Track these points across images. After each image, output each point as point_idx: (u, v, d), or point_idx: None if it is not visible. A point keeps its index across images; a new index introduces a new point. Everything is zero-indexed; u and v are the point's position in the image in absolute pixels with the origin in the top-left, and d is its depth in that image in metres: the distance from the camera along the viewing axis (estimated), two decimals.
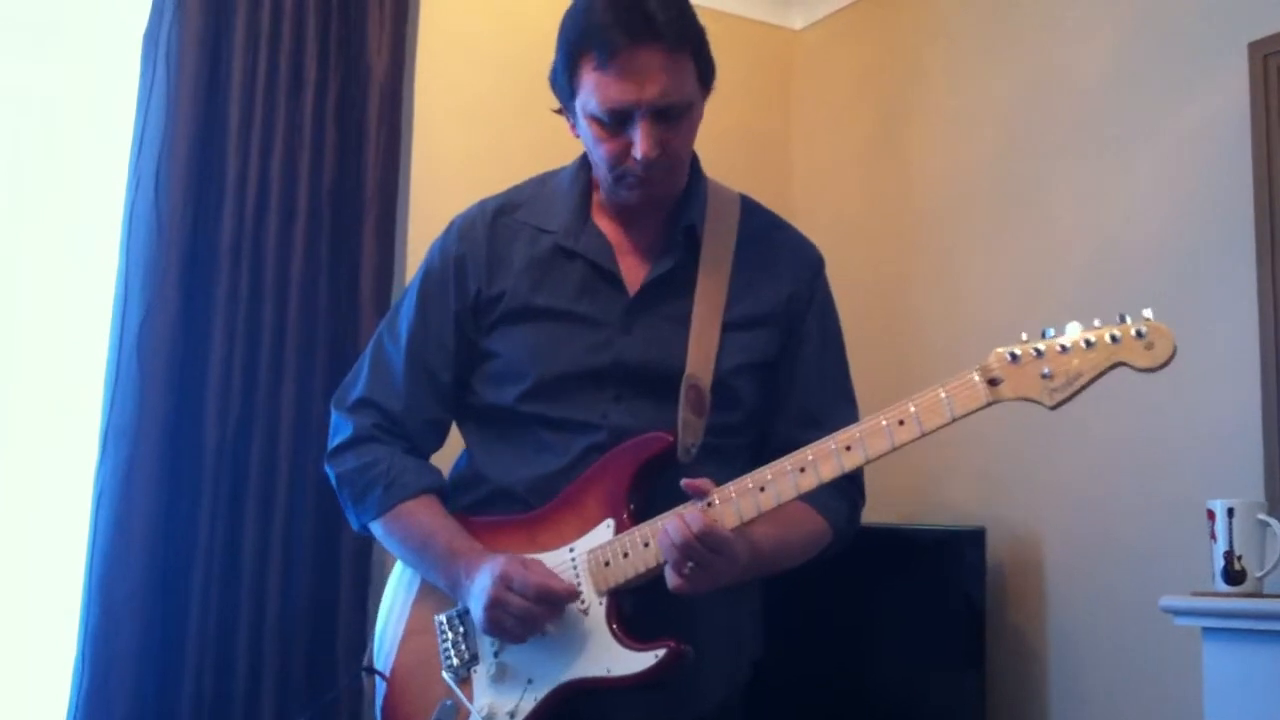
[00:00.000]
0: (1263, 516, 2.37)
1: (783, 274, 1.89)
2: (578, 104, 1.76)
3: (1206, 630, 2.36)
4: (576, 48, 1.72)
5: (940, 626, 3.01)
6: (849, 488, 1.87)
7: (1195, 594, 2.42)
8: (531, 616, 1.69)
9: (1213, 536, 2.40)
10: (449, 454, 2.01)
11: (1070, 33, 3.13)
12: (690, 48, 1.74)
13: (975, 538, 2.99)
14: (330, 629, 3.02)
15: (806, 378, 1.89)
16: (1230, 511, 2.38)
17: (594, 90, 1.71)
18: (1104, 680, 2.86)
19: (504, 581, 1.69)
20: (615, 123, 1.72)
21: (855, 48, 3.82)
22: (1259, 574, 2.36)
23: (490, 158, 3.35)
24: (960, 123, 3.42)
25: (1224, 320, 2.67)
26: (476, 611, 1.73)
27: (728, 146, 3.77)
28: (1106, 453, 2.89)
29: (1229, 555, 2.37)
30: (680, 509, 1.67)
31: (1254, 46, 2.67)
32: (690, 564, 1.61)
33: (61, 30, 3.06)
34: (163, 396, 2.88)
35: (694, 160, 1.90)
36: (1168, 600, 2.41)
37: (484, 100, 3.42)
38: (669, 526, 1.62)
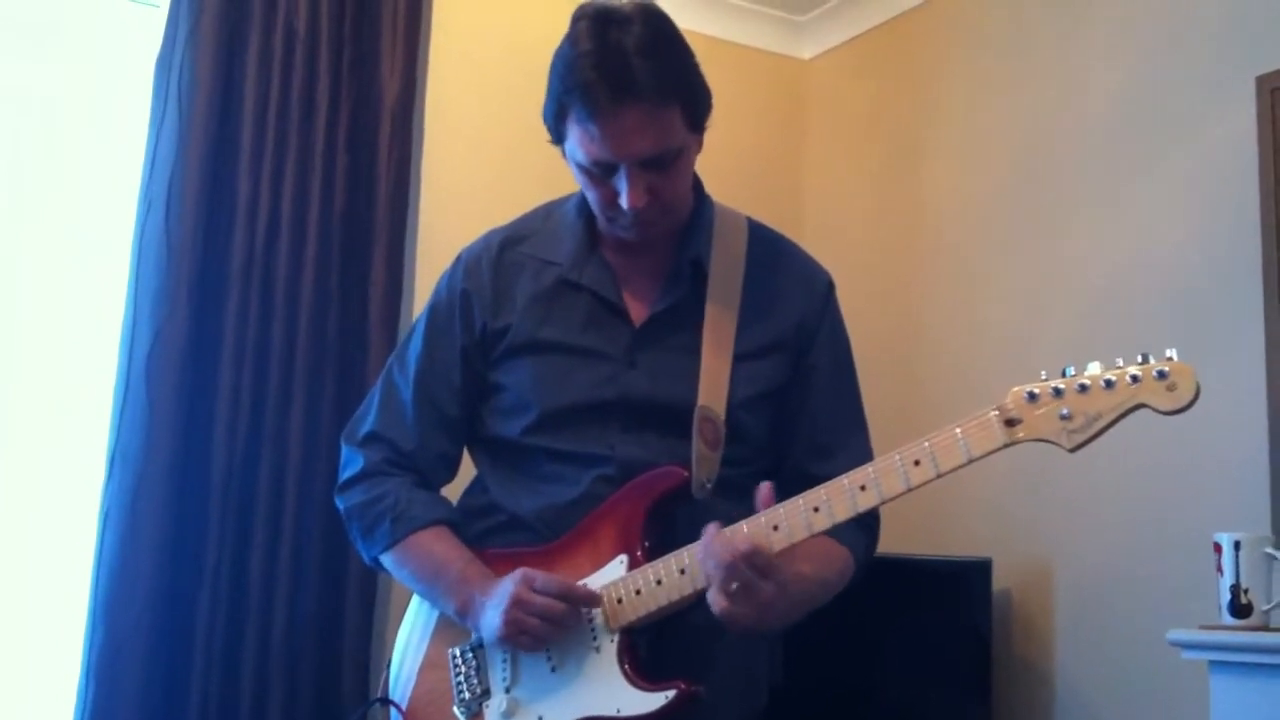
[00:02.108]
0: (1269, 550, 2.36)
1: (791, 301, 1.88)
2: (566, 150, 1.76)
3: (1213, 664, 2.35)
4: (562, 97, 1.71)
5: (947, 657, 3.00)
6: (868, 519, 1.82)
7: (1203, 627, 2.41)
8: (554, 614, 1.67)
9: (1219, 570, 2.39)
10: (461, 481, 2.00)
11: (1079, 65, 3.14)
12: (675, 98, 1.70)
13: (982, 568, 2.98)
14: (336, 651, 3.02)
15: (818, 408, 1.87)
16: (1237, 545, 2.37)
17: (579, 143, 1.70)
18: (1111, 713, 2.84)
19: (526, 581, 1.68)
20: (602, 173, 1.72)
21: (865, 78, 3.83)
22: (1265, 607, 2.35)
23: (500, 183, 3.36)
24: (970, 152, 3.43)
25: (1232, 352, 2.67)
26: (495, 621, 1.70)
27: (739, 176, 3.78)
28: (1114, 485, 2.88)
29: (1236, 588, 2.36)
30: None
31: (1262, 80, 2.68)
32: (735, 584, 1.57)
33: (66, 33, 3.07)
34: (171, 418, 2.89)
35: (698, 186, 1.89)
36: (1175, 634, 2.40)
37: (494, 126, 3.43)
38: (713, 545, 1.58)
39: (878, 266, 3.63)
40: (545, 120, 1.78)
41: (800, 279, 1.91)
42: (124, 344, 2.91)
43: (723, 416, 1.77)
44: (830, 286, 1.94)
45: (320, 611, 3.00)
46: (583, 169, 1.74)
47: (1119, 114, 3.02)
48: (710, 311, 1.81)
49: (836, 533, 1.67)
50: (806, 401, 1.86)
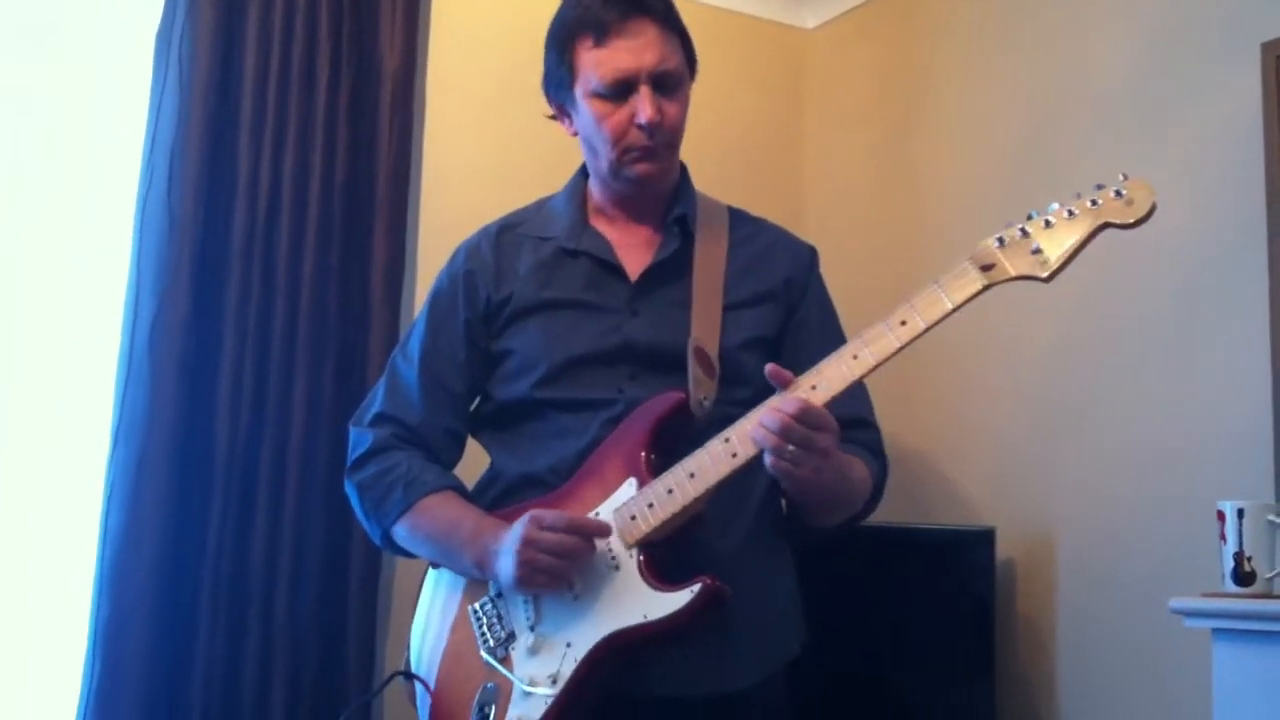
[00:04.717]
0: (1273, 518, 2.36)
1: (778, 262, 1.98)
2: (578, 89, 1.86)
3: (1216, 631, 2.35)
4: (570, 34, 1.85)
5: (949, 626, 3.01)
6: (878, 448, 1.94)
7: (1205, 595, 2.41)
8: (566, 548, 1.70)
9: (1222, 538, 2.39)
10: (467, 473, 2.02)
11: (1083, 33, 3.12)
12: (676, 29, 1.87)
13: (985, 537, 2.98)
14: (341, 625, 3.03)
15: (813, 360, 1.92)
16: (1240, 512, 2.37)
17: (595, 67, 1.82)
18: (1114, 681, 2.85)
19: (535, 521, 1.71)
20: (617, 94, 1.82)
21: (868, 47, 3.81)
22: (1268, 575, 2.35)
23: (502, 155, 3.36)
24: (973, 121, 3.41)
25: (1235, 320, 2.66)
26: (509, 566, 1.72)
27: (740, 145, 3.77)
28: (1117, 453, 2.88)
29: (1239, 556, 2.36)
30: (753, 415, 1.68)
31: (1267, 47, 2.66)
32: (791, 447, 1.61)
33: (68, 29, 3.06)
34: (174, 395, 2.89)
35: (683, 167, 1.99)
36: (1177, 601, 2.40)
37: (496, 98, 3.42)
38: (764, 418, 1.61)
39: (879, 236, 3.62)
40: (548, 78, 1.92)
41: (784, 246, 2.02)
42: (126, 319, 2.91)
43: (715, 351, 1.83)
44: (815, 255, 2.05)
45: (324, 586, 3.01)
46: (597, 96, 1.83)
47: (1123, 83, 3.00)
48: (699, 264, 1.89)
49: (858, 454, 1.80)
50: (800, 355, 1.90)
